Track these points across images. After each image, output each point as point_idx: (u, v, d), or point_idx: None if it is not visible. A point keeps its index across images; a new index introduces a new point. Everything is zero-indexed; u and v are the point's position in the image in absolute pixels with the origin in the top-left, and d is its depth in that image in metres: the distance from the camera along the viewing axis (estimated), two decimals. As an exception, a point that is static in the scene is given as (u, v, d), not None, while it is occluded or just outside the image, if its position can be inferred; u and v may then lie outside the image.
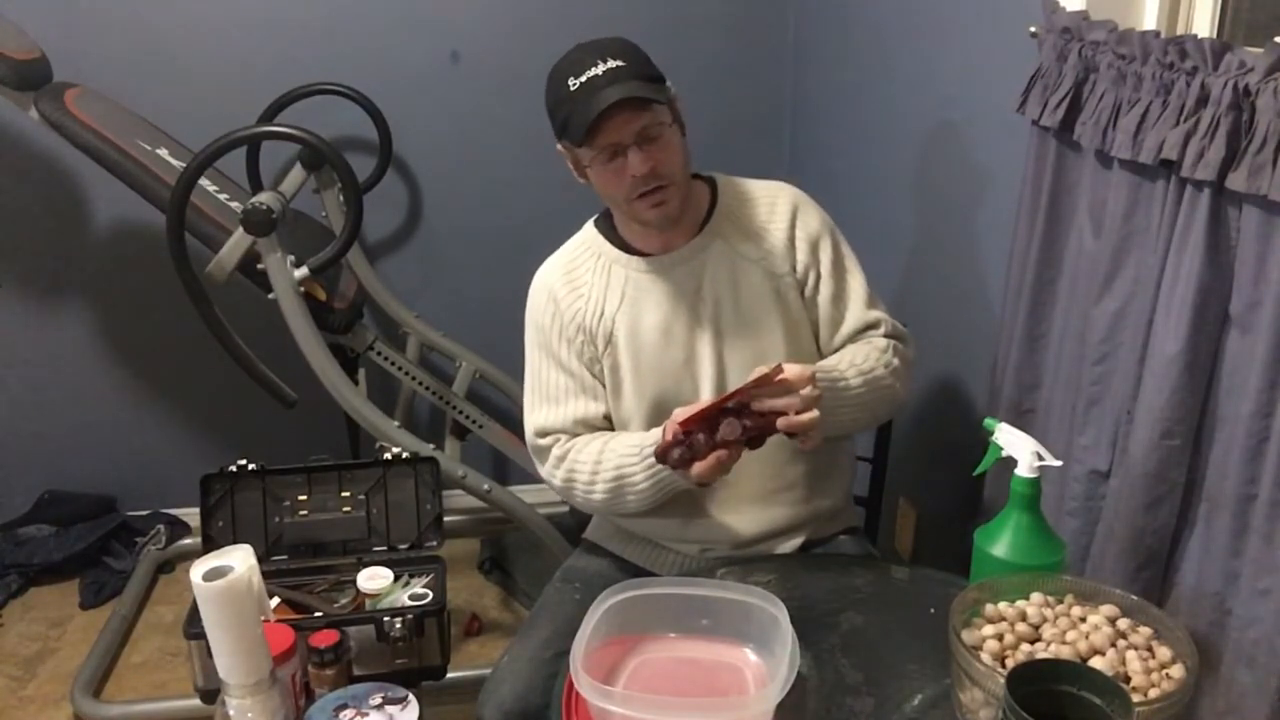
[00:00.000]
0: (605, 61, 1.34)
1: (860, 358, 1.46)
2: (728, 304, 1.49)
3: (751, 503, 1.52)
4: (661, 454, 1.31)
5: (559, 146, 1.45)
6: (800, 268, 1.51)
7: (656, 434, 1.39)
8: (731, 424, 1.28)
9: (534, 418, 1.54)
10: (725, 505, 1.52)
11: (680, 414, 1.30)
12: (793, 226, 1.51)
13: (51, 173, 2.54)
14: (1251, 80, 1.11)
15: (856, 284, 1.53)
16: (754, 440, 1.31)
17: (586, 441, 1.49)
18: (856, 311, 1.52)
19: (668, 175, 1.39)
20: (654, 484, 1.41)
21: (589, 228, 1.57)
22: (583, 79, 1.34)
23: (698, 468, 1.29)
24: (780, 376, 1.27)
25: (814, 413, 1.27)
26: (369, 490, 1.87)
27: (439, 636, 1.69)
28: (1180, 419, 1.27)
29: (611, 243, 1.53)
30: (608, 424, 1.54)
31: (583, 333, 1.51)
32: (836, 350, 1.52)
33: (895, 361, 1.49)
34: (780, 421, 1.27)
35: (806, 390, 1.27)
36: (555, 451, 1.51)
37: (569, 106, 1.35)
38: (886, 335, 1.52)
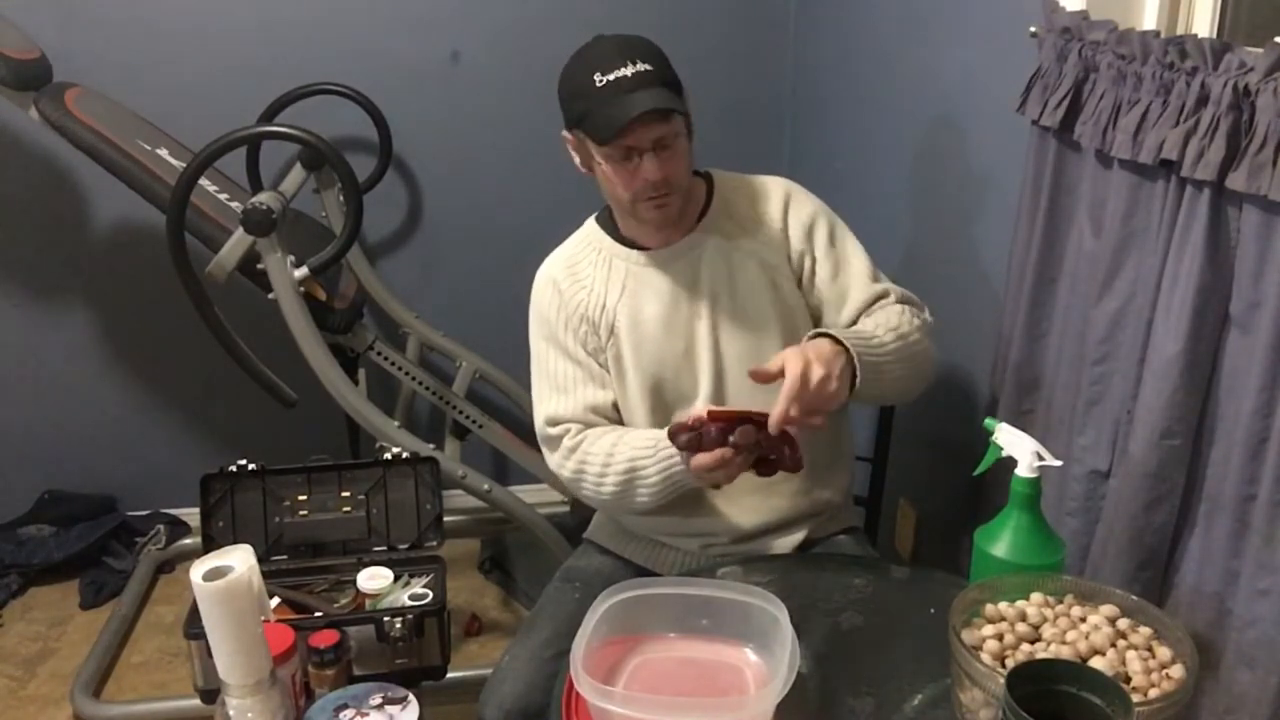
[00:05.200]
0: (634, 64, 1.35)
1: (886, 319, 1.45)
2: (724, 296, 1.50)
3: (751, 494, 1.52)
4: (673, 432, 1.33)
5: (566, 133, 1.46)
6: (795, 255, 1.52)
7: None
8: (747, 430, 1.28)
9: (544, 407, 1.55)
10: (725, 497, 1.52)
11: (708, 406, 1.33)
12: (786, 215, 1.52)
13: (51, 173, 2.54)
14: (1251, 80, 1.11)
15: (857, 261, 1.54)
16: (762, 466, 1.32)
17: (599, 435, 1.50)
18: (860, 286, 1.52)
19: (676, 183, 1.42)
20: (664, 479, 1.42)
21: (590, 223, 1.59)
22: (610, 78, 1.34)
23: (700, 458, 1.30)
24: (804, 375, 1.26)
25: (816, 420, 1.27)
26: (369, 490, 1.86)
27: (439, 636, 1.69)
28: (1180, 419, 1.27)
29: (612, 237, 1.55)
30: (617, 413, 1.55)
31: (586, 323, 1.52)
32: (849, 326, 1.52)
33: (917, 321, 1.49)
34: (778, 413, 1.25)
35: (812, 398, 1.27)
36: (566, 442, 1.51)
37: (591, 102, 1.36)
38: (898, 302, 1.53)
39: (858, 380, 1.34)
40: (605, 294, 1.52)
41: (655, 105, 1.33)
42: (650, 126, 1.36)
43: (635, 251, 1.53)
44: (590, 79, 1.36)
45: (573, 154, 1.48)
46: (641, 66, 1.35)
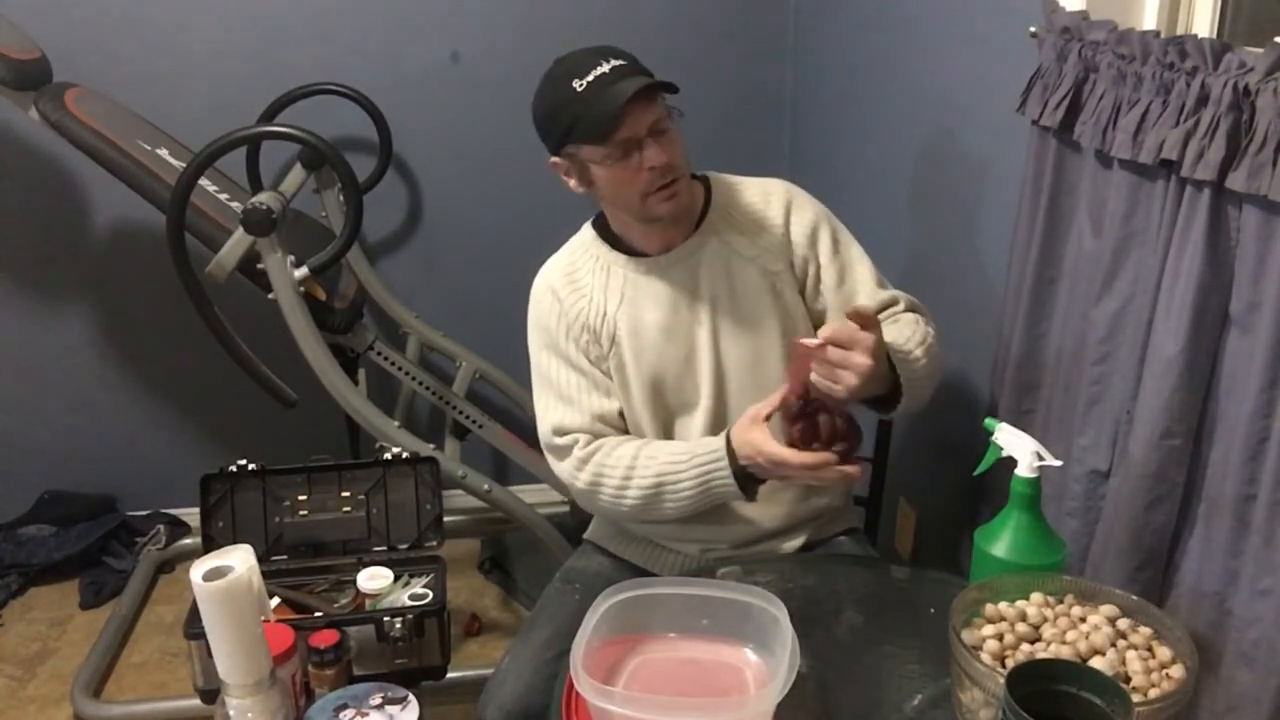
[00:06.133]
0: (608, 61, 1.36)
1: (913, 333, 1.44)
2: (724, 301, 1.50)
3: (751, 503, 1.52)
4: (793, 399, 1.32)
5: (554, 159, 1.45)
6: (798, 261, 1.51)
7: (707, 442, 1.43)
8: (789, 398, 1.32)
9: (550, 417, 1.53)
10: (725, 505, 1.52)
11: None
12: (788, 220, 1.52)
13: (51, 173, 2.54)
14: (1251, 80, 1.11)
15: (861, 267, 1.53)
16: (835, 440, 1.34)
17: (616, 445, 1.49)
18: (867, 293, 1.52)
19: (680, 167, 1.41)
20: (701, 490, 1.42)
21: (587, 229, 1.58)
22: (589, 79, 1.34)
23: (799, 457, 1.31)
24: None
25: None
26: (369, 490, 1.86)
27: (439, 636, 1.69)
28: (1180, 419, 1.27)
29: (609, 244, 1.53)
30: (623, 420, 1.54)
31: (587, 332, 1.51)
32: None
33: (933, 331, 1.49)
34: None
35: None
36: (578, 453, 1.49)
37: (578, 107, 1.35)
38: (907, 310, 1.52)
39: (902, 397, 1.34)
40: (605, 302, 1.51)
41: (642, 85, 1.32)
42: (644, 112, 1.35)
43: (633, 259, 1.52)
44: (569, 87, 1.35)
45: (565, 179, 1.47)
46: (616, 62, 1.36)
